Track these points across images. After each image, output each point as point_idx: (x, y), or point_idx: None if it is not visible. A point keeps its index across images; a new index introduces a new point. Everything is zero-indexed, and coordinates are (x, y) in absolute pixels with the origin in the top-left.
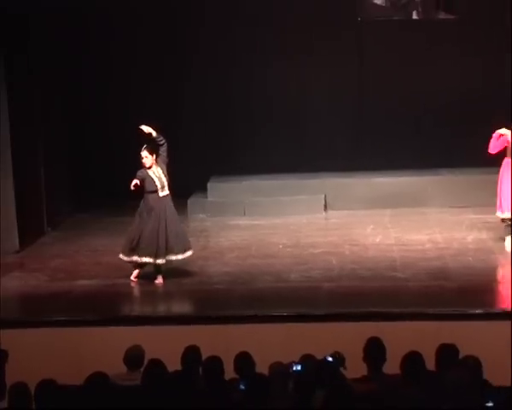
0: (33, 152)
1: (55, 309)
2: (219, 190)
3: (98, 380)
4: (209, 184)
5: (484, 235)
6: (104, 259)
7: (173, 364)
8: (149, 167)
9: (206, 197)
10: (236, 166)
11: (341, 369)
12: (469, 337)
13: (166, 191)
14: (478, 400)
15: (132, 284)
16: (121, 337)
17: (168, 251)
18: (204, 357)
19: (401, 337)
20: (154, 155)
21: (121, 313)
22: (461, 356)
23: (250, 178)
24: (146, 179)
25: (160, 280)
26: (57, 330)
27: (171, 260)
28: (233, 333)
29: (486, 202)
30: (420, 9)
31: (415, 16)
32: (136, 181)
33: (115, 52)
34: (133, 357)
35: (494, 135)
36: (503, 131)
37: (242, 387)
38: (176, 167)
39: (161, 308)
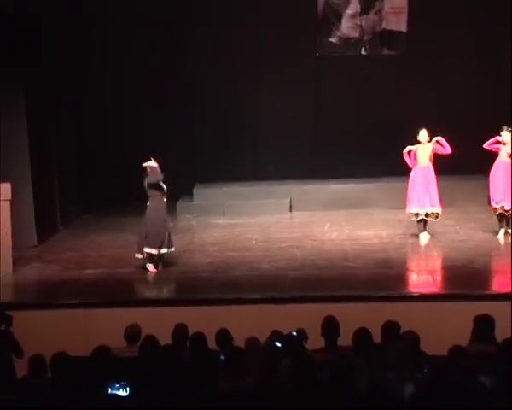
0: (48, 162)
1: (67, 294)
2: (203, 194)
3: (102, 352)
4: (195, 190)
5: None
6: (107, 252)
7: (165, 339)
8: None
9: (192, 201)
10: (218, 174)
11: (304, 342)
12: (409, 316)
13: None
14: (416, 367)
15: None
16: (121, 317)
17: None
18: (190, 333)
19: (352, 316)
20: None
21: (122, 297)
22: (402, 331)
23: (229, 185)
24: (159, 182)
25: (153, 269)
26: (68, 311)
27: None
28: (214, 313)
29: None
30: (367, 46)
31: (363, 52)
32: (147, 164)
33: (109, 70)
34: (131, 333)
35: (404, 152)
36: (409, 148)
37: (222, 357)
38: (166, 175)
39: (155, 293)
